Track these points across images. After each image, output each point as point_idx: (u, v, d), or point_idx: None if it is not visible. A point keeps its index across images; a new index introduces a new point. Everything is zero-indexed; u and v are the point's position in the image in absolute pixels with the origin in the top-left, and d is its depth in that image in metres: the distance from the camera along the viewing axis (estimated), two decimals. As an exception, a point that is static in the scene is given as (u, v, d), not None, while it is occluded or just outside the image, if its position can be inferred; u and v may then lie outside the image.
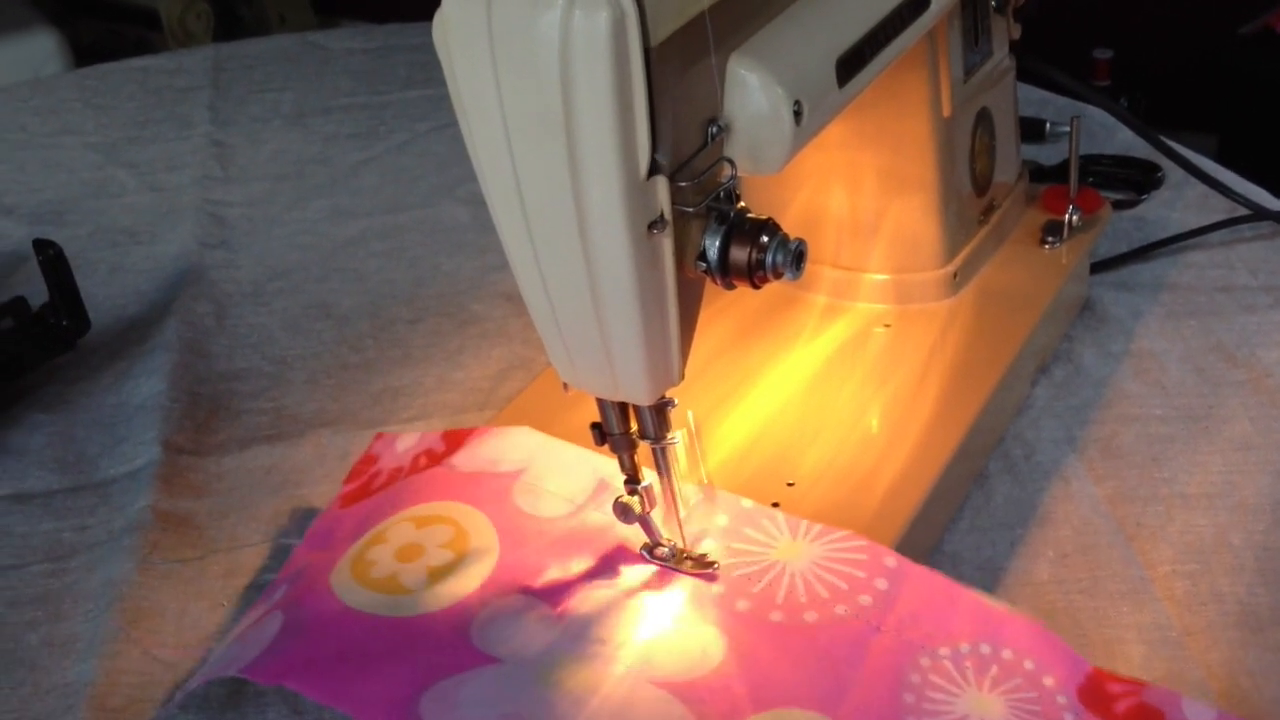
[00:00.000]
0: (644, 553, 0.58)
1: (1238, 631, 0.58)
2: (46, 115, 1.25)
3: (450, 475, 0.63)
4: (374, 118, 1.20)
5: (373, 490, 0.65)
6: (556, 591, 0.56)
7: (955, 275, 0.73)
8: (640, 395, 0.52)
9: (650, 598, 0.56)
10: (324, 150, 1.14)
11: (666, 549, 0.57)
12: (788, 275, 0.50)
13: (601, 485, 0.61)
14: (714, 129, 0.50)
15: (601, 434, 0.56)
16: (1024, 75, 0.82)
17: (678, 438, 0.55)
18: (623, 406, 0.55)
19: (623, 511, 0.56)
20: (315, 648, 0.54)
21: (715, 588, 0.56)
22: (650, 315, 0.49)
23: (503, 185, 0.48)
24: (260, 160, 1.13)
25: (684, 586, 0.56)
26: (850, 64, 0.55)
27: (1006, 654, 0.53)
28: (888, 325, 0.72)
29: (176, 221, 1.03)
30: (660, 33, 0.45)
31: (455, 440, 0.66)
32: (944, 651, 0.53)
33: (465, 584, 0.57)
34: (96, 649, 0.62)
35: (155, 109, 1.25)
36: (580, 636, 0.54)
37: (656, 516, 0.57)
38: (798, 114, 0.50)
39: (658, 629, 0.54)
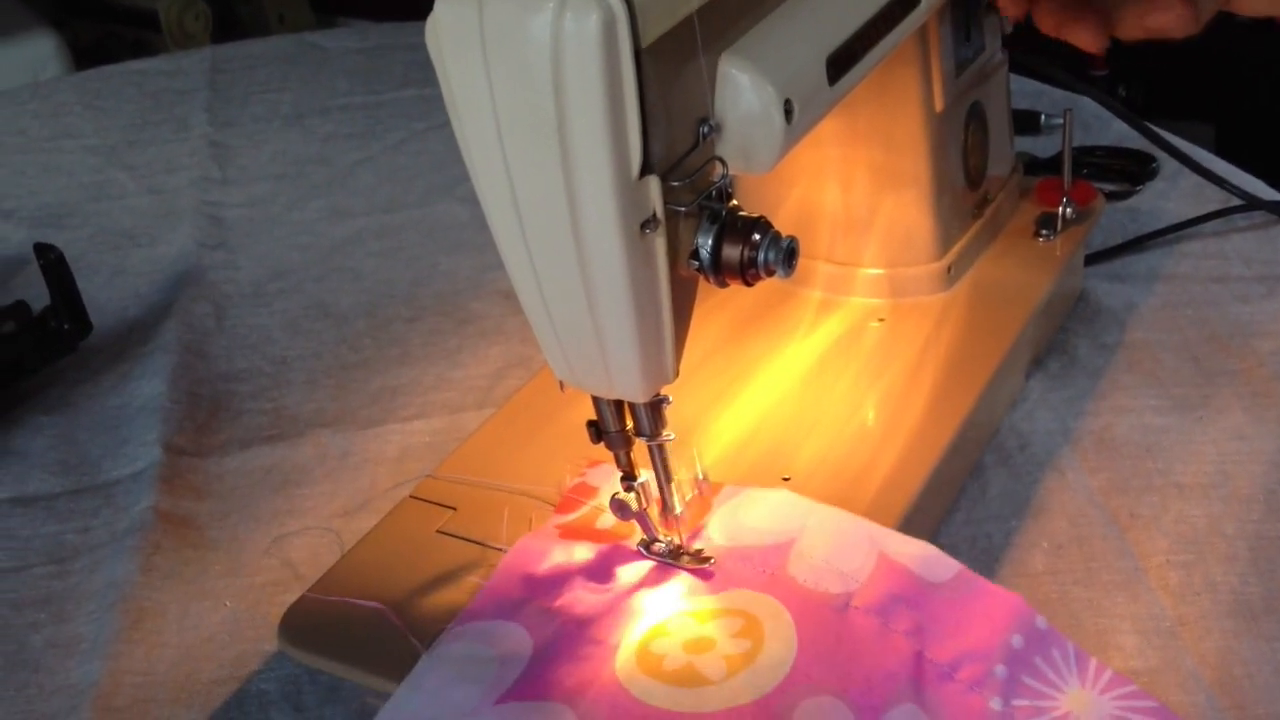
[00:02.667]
0: (640, 549, 0.58)
1: (1231, 621, 0.59)
2: (46, 119, 1.26)
3: (718, 556, 0.58)
4: (371, 117, 1.20)
5: (598, 533, 0.60)
6: (862, 684, 0.52)
7: (949, 269, 0.73)
8: (635, 393, 0.53)
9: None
10: (322, 150, 1.15)
11: (664, 545, 0.58)
12: (780, 273, 0.51)
13: (882, 559, 0.56)
14: (705, 129, 0.50)
15: (598, 431, 0.56)
16: (1018, 68, 0.82)
17: (673, 434, 0.56)
18: (618, 404, 0.55)
19: (620, 508, 0.57)
20: None
21: None
22: (644, 314, 0.50)
23: (496, 187, 0.48)
24: (258, 161, 1.14)
25: None
26: (841, 62, 0.55)
27: None
28: (882, 319, 0.72)
29: (176, 223, 1.04)
30: (650, 34, 0.45)
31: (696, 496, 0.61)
32: None
33: (771, 674, 0.52)
34: (100, 649, 0.62)
35: (153, 111, 1.25)
36: None
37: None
38: (788, 113, 0.51)
39: None
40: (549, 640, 0.55)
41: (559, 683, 0.53)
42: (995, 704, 0.52)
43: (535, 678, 0.53)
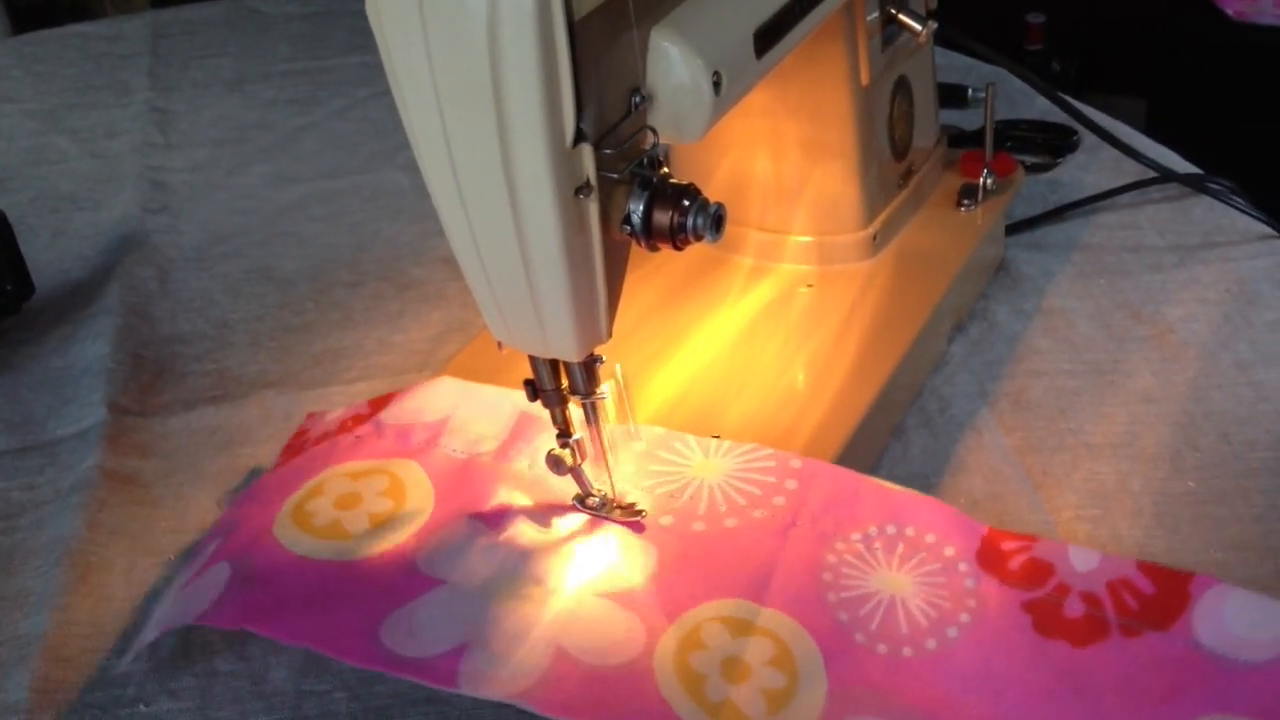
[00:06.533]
0: (575, 503, 0.61)
1: (1134, 571, 0.62)
2: (-16, 81, 1.26)
3: (380, 432, 0.66)
4: (313, 83, 1.21)
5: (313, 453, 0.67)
6: (495, 522, 0.60)
7: (875, 237, 0.76)
8: (569, 352, 0.55)
9: (584, 544, 0.59)
10: (264, 116, 1.15)
11: (597, 499, 0.60)
12: (708, 237, 0.53)
13: (523, 419, 0.65)
14: (637, 99, 0.52)
15: (534, 390, 0.58)
16: (949, 42, 0.84)
17: (606, 392, 0.58)
18: (554, 363, 0.57)
19: (555, 464, 0.59)
20: (271, 594, 0.57)
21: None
22: (578, 276, 0.52)
23: (435, 154, 0.50)
24: (200, 126, 1.14)
25: (615, 529, 0.60)
26: (768, 35, 0.57)
27: (910, 531, 0.58)
28: (810, 285, 0.75)
29: (118, 188, 1.04)
30: (584, 6, 0.47)
31: (380, 403, 0.69)
32: (855, 536, 0.58)
33: (407, 527, 0.60)
34: (48, 602, 0.64)
35: (95, 76, 1.25)
36: (518, 573, 0.57)
37: (587, 468, 0.60)
38: (717, 84, 0.53)
39: (593, 569, 0.58)
40: (232, 523, 0.62)
41: (226, 549, 0.60)
42: (635, 497, 0.60)
43: (202, 552, 0.61)
